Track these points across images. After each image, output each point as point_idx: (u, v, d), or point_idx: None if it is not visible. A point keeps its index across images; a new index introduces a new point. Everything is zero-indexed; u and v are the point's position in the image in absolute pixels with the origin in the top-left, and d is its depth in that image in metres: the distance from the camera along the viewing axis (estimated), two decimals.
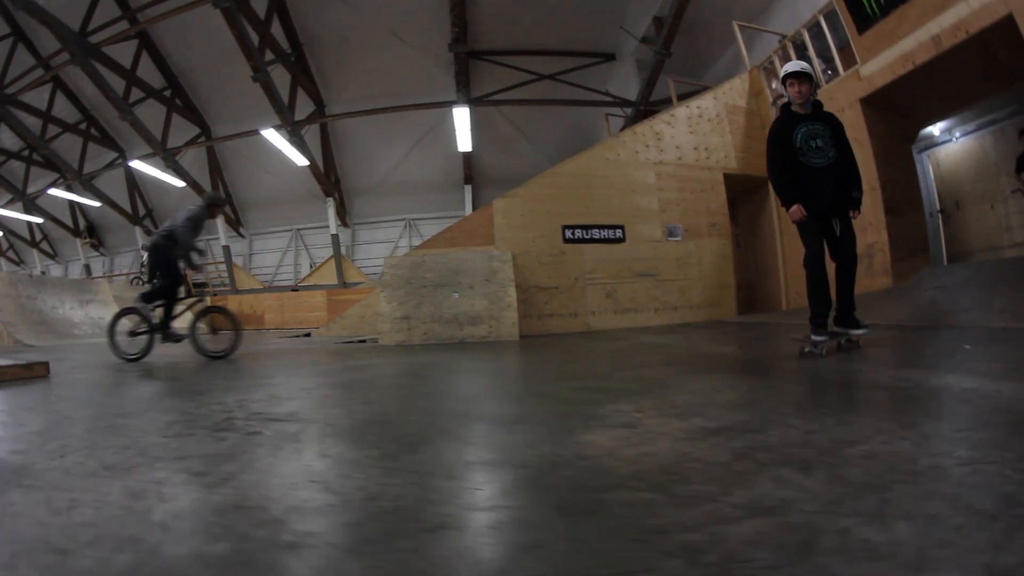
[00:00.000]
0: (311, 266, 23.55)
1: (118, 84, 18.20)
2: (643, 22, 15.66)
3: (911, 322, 6.55)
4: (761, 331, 7.84)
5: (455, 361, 6.11)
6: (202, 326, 7.64)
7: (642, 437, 2.24)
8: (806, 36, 10.07)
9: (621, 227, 10.10)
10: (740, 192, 11.65)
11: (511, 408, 3.30)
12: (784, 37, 10.92)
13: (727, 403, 3.01)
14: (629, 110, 17.03)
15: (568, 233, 9.80)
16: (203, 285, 23.38)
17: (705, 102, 11.18)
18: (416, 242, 21.81)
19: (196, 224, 7.24)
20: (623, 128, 16.43)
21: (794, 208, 4.51)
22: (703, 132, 10.95)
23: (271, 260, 24.21)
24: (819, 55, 9.91)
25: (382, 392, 4.18)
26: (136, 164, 20.39)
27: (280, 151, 18.50)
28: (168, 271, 7.08)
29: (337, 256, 22.21)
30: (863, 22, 8.75)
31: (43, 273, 27.00)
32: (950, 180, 11.39)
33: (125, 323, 7.11)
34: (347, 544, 1.34)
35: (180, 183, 21.21)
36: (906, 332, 5.99)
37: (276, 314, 21.15)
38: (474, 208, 20.81)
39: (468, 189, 21.49)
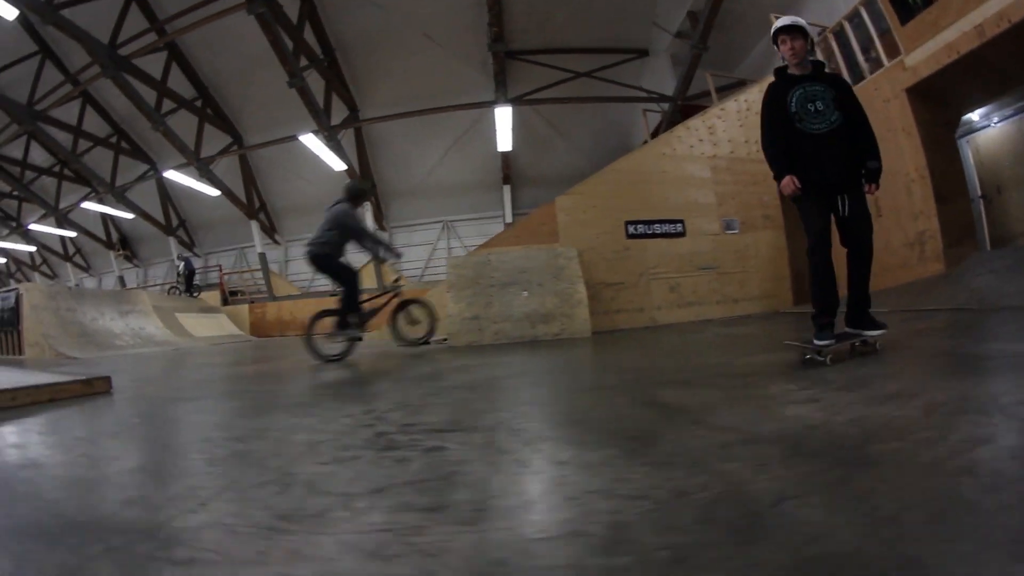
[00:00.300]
0: None
1: (149, 96, 18.43)
2: (677, 16, 15.64)
3: (972, 304, 6.48)
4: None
5: (556, 357, 5.97)
6: (403, 316, 7.98)
7: (835, 408, 2.40)
8: (847, 26, 10.09)
9: (681, 221, 10.07)
10: None
11: (696, 393, 3.22)
12: (824, 29, 10.87)
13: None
14: (666, 105, 16.91)
15: (631, 228, 9.76)
16: (236, 293, 23.73)
17: (751, 95, 11.09)
18: (455, 244, 22.06)
19: (351, 219, 7.33)
20: (660, 124, 16.66)
21: (785, 180, 3.81)
22: (752, 125, 10.63)
23: (307, 266, 23.85)
24: (861, 45, 9.91)
25: (521, 391, 3.94)
26: (170, 174, 20.47)
27: (315, 156, 18.48)
28: (340, 275, 7.23)
29: (376, 258, 21.89)
30: (905, 13, 8.76)
31: (78, 286, 27.23)
32: (990, 165, 11.42)
33: (324, 324, 7.32)
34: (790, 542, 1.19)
35: (214, 192, 21.37)
36: (965, 315, 5.95)
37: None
38: (513, 208, 21.01)
39: (507, 189, 21.41)
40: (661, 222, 9.95)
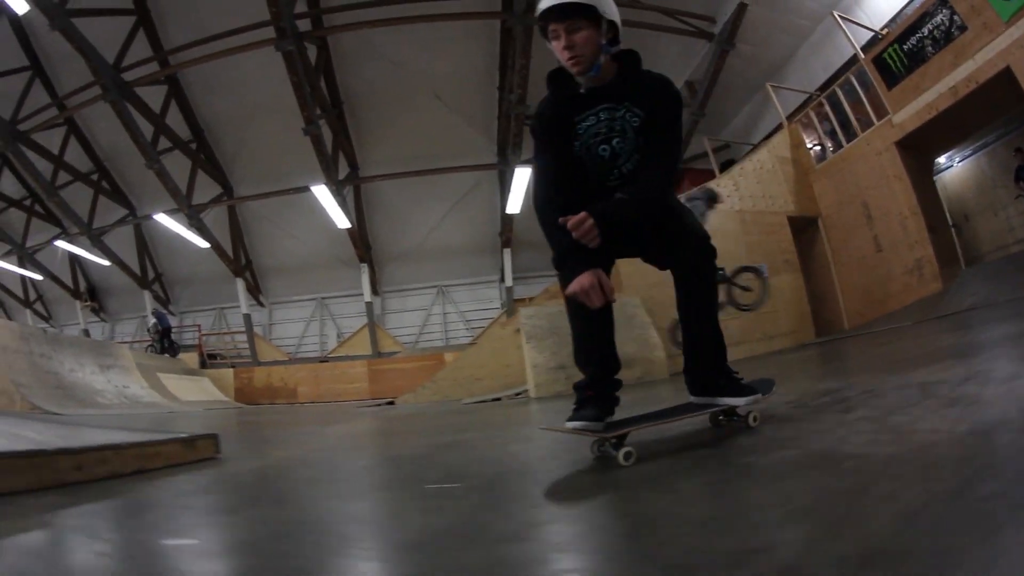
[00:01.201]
0: (339, 336, 22.71)
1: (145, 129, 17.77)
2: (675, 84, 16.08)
3: (979, 304, 7.92)
4: (849, 344, 9.18)
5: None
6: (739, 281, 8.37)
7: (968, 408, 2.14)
8: (839, 92, 12.15)
9: (723, 269, 10.14)
10: (796, 230, 12.92)
11: None
12: (815, 94, 13.30)
13: None
14: None
15: None
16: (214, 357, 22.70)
17: (761, 155, 12.89)
18: (449, 309, 21.72)
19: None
20: None
21: (584, 281, 2.21)
22: (766, 182, 12.54)
23: (294, 330, 23.40)
24: (851, 107, 11.90)
25: None
26: (161, 218, 19.29)
27: (309, 213, 18.19)
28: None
29: (371, 324, 21.31)
30: (891, 79, 10.77)
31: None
32: (956, 198, 14.56)
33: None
34: None
35: (204, 243, 20.31)
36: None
37: (311, 387, 19.87)
38: (514, 272, 20.64)
39: (507, 253, 20.88)
40: None
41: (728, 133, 16.62)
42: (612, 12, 2.32)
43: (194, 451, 3.29)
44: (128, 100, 16.48)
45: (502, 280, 21.19)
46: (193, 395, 16.61)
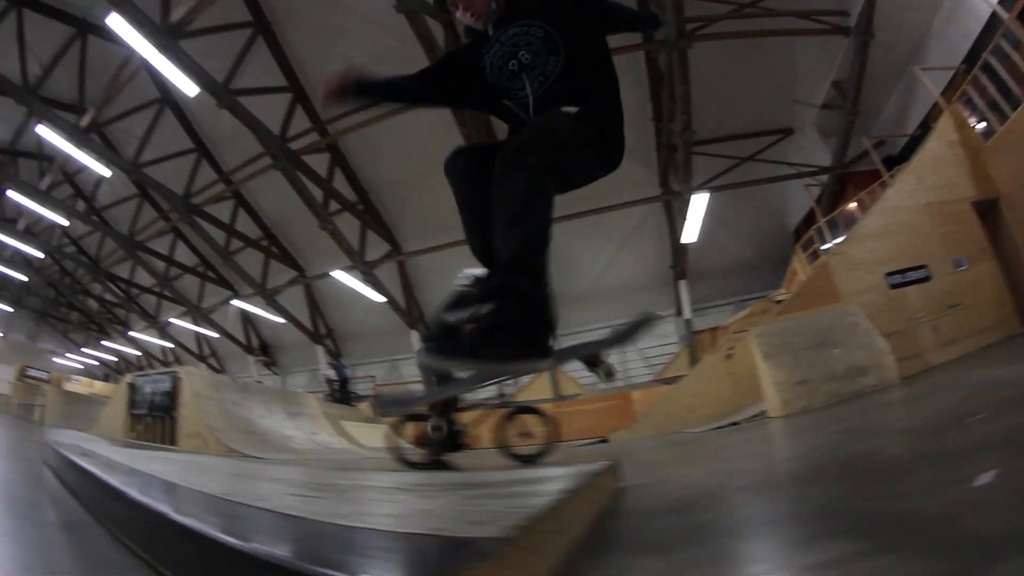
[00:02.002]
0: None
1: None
2: (820, 89, 15.84)
3: None
4: None
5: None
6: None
7: None
8: (991, 60, 10.90)
9: (925, 266, 10.37)
10: (978, 215, 12.17)
11: None
12: (962, 67, 12.04)
13: None
14: (825, 177, 17.04)
15: (890, 279, 10.03)
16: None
17: (931, 143, 11.85)
18: (626, 348, 21.15)
19: None
20: (821, 195, 17.03)
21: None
22: (943, 169, 11.63)
23: None
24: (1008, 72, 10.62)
25: None
26: (338, 275, 20.11)
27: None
28: None
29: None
30: None
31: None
32: None
33: None
34: None
35: (379, 297, 21.46)
36: None
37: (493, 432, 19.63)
38: (692, 306, 20.62)
39: (683, 285, 20.69)
40: (910, 269, 10.29)
41: (879, 127, 15.63)
42: None
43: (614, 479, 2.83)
44: (297, 167, 17.55)
45: (678, 313, 21.05)
46: (376, 441, 16.41)
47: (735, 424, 8.39)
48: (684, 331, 20.78)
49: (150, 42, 11.83)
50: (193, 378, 12.67)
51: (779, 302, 13.42)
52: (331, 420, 15.75)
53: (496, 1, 2.47)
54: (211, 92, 14.51)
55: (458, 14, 2.52)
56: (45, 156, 19.87)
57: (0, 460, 3.51)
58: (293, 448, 12.44)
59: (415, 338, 22.23)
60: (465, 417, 6.11)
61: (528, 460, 5.96)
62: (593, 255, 20.81)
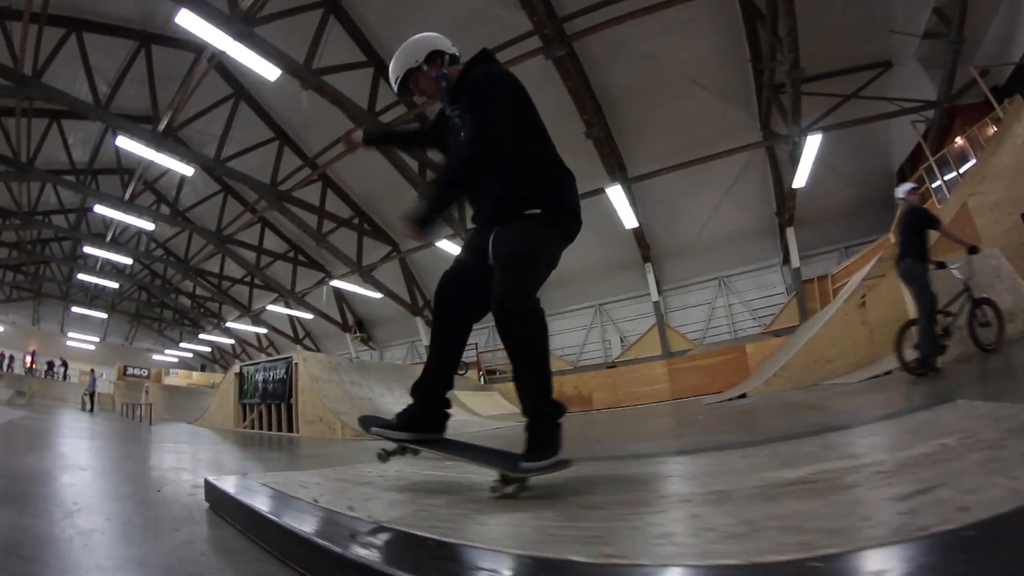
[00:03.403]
0: (622, 340, 22.66)
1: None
2: (920, 17, 14.23)
3: None
4: None
5: None
6: (979, 315, 7.20)
7: None
8: None
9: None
10: None
11: None
12: None
13: None
14: (931, 112, 15.57)
15: None
16: (492, 372, 23.42)
17: None
18: (733, 300, 20.96)
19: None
20: (928, 130, 15.77)
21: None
22: None
23: (573, 339, 23.61)
24: None
25: None
26: (443, 244, 19.39)
27: (590, 220, 17.56)
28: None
29: (661, 323, 21.10)
30: None
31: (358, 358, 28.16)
32: None
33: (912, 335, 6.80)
34: None
35: None
36: None
37: (607, 392, 19.32)
38: (800, 252, 19.47)
39: (791, 232, 19.44)
40: None
41: (981, 56, 14.05)
42: (422, 52, 2.82)
43: None
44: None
45: (785, 261, 19.98)
46: (490, 409, 16.92)
47: (887, 373, 7.81)
48: (791, 280, 19.73)
49: (224, 31, 11.39)
50: (309, 362, 12.39)
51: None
52: None
53: (447, 82, 2.84)
54: (294, 74, 14.03)
55: (415, 96, 3.20)
56: (124, 169, 20.73)
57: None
58: None
59: None
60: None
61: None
62: (697, 206, 19.74)
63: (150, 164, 17.52)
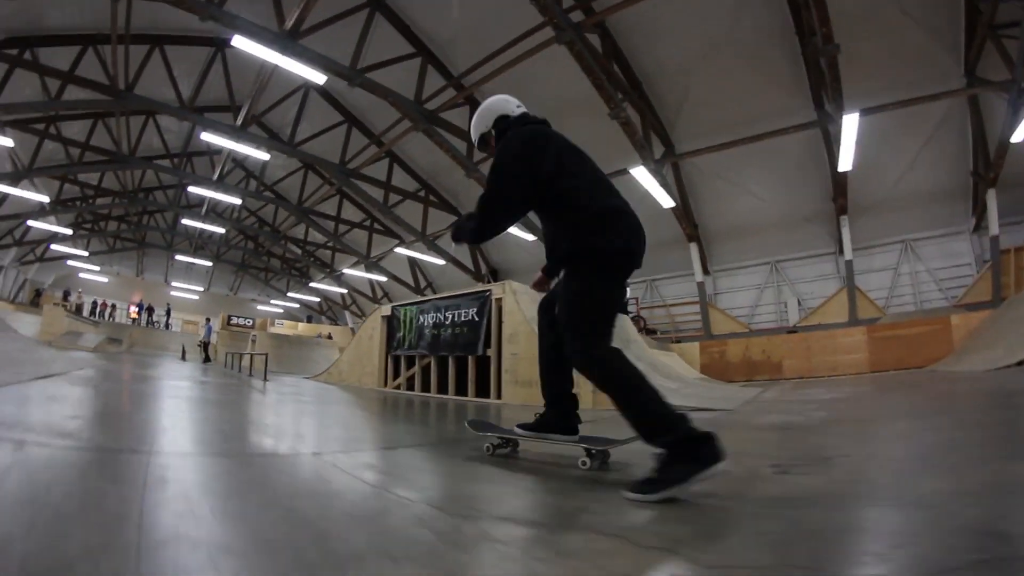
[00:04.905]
0: (800, 304, 20.79)
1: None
2: None
3: None
4: None
5: None
6: None
7: None
8: None
9: None
10: None
11: None
12: None
13: None
14: None
15: None
16: (652, 332, 22.49)
17: None
18: (918, 268, 19.14)
19: None
20: None
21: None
22: None
23: (744, 299, 22.01)
24: None
25: None
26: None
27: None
28: None
29: (851, 287, 19.24)
30: None
31: None
32: None
33: None
34: None
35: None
36: None
37: (800, 360, 17.70)
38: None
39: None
40: None
41: None
42: (490, 119, 3.25)
43: None
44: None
45: (976, 228, 17.93)
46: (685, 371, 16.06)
47: None
48: (981, 250, 17.66)
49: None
50: (523, 298, 9.27)
51: None
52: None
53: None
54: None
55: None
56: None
57: None
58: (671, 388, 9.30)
59: (695, 252, 21.58)
60: None
61: None
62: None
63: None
